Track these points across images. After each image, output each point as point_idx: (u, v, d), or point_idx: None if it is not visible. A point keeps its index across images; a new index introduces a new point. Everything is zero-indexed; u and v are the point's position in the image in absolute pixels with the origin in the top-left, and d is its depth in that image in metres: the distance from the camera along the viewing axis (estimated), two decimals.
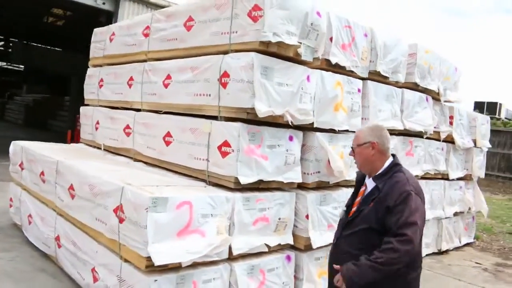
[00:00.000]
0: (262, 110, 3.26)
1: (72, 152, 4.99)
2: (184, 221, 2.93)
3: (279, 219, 3.64)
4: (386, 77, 4.65)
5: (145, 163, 4.41)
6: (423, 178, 5.48)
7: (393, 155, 2.42)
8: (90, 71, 5.86)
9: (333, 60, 3.93)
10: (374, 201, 2.26)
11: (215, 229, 3.10)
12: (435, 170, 5.76)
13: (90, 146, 5.67)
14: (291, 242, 3.74)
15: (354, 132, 4.22)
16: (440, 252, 5.99)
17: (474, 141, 6.48)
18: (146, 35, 4.60)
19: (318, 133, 3.84)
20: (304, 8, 3.47)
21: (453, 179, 6.16)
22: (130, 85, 4.81)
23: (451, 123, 5.97)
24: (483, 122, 6.79)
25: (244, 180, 3.32)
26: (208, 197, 3.08)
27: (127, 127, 4.71)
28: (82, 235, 3.60)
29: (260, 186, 3.49)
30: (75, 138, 11.38)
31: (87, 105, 5.88)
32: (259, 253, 3.51)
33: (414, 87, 5.18)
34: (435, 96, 5.55)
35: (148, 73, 4.45)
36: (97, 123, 5.40)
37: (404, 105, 4.96)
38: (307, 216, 3.75)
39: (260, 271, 3.49)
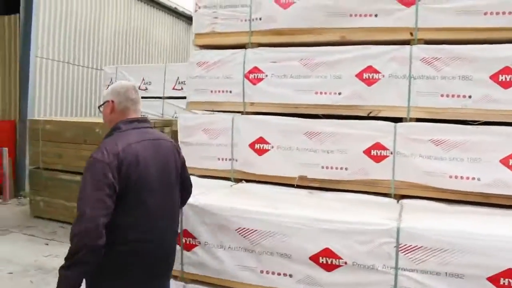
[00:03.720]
0: None
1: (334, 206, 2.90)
2: None
3: None
4: None
5: (431, 199, 2.95)
6: None
7: (138, 120, 2.07)
8: (203, 55, 3.48)
9: None
10: None
11: None
12: None
13: (217, 178, 3.47)
14: None
15: None
16: None
17: None
18: (409, 4, 2.99)
19: None
20: None
21: None
22: (369, 81, 3.08)
23: None
24: None
25: None
26: None
27: (377, 146, 3.04)
28: None
29: None
30: None
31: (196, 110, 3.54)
32: None
33: None
34: None
35: (434, 63, 2.92)
36: (261, 141, 3.31)
37: None
38: None
39: None
